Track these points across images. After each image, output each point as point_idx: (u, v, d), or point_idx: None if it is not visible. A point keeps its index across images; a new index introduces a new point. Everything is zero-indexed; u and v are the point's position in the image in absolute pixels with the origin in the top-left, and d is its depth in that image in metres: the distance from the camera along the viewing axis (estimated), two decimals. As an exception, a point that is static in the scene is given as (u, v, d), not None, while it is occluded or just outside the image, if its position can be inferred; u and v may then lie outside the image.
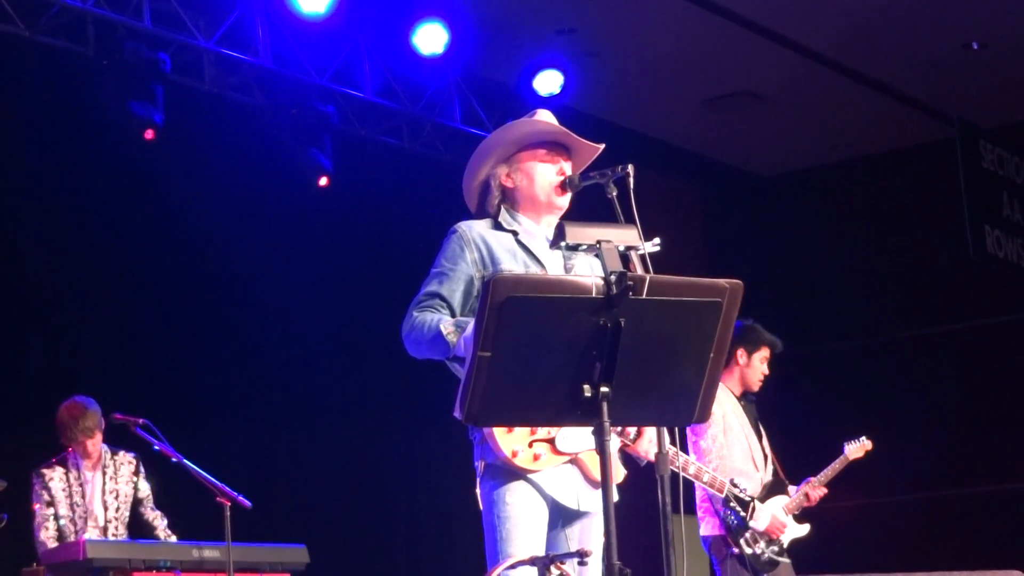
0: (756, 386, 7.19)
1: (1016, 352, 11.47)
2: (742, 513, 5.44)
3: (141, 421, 6.85)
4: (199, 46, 8.41)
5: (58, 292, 8.25)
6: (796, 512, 7.03)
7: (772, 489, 6.98)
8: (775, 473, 7.11)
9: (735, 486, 6.52)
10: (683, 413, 3.41)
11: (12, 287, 8.02)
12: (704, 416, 3.41)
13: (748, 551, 6.77)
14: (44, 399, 7.71)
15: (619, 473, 4.29)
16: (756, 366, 7.16)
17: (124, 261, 8.54)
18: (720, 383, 6.85)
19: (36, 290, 8.15)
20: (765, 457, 7.09)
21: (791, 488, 7.10)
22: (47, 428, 7.24)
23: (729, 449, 6.87)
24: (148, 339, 8.64)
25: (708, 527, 6.89)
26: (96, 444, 7.08)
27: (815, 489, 7.12)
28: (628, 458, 4.34)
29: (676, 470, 3.70)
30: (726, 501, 5.53)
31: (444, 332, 4.04)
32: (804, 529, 7.04)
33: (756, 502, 6.64)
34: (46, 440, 7.26)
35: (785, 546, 6.93)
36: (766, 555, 6.82)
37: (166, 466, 6.91)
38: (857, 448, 7.45)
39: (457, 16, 9.02)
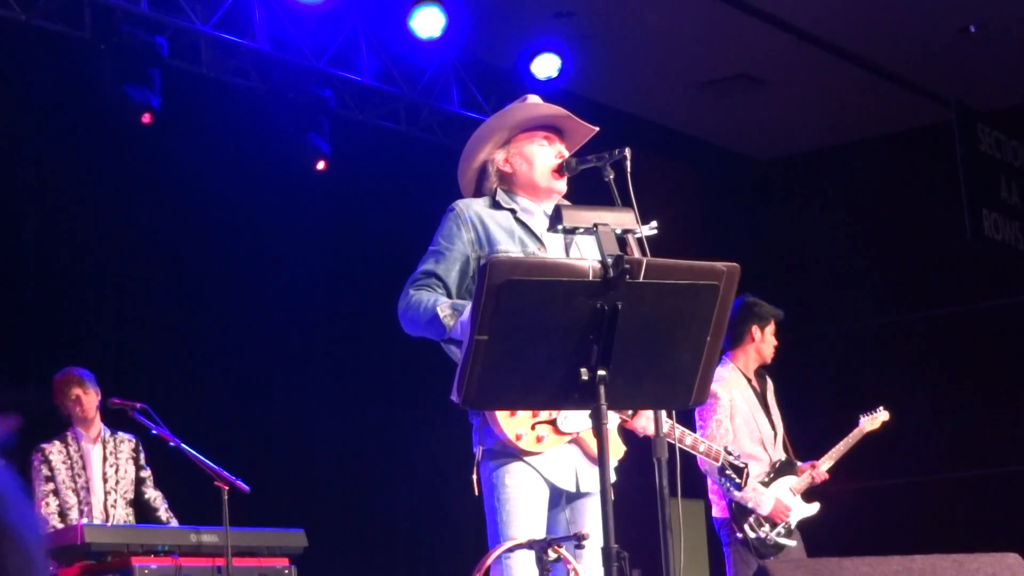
0: (771, 358, 7.16)
1: (1015, 334, 11.47)
2: (737, 480, 5.45)
3: (139, 405, 6.85)
4: (196, 30, 8.39)
5: (55, 276, 8.23)
6: (802, 492, 7.00)
7: (782, 469, 6.96)
8: (786, 451, 7.08)
9: (729, 453, 6.49)
10: (680, 396, 3.40)
11: (10, 270, 8.01)
12: (701, 399, 3.40)
13: (752, 535, 6.74)
14: (41, 386, 7.70)
15: (619, 450, 4.30)
16: (769, 339, 7.12)
17: (121, 246, 8.53)
18: (732, 364, 6.93)
19: (34, 273, 8.13)
20: (775, 435, 7.06)
21: (800, 465, 7.07)
22: (44, 414, 7.22)
23: (735, 434, 6.83)
24: (146, 323, 8.63)
25: (719, 510, 6.88)
26: (91, 401, 7.08)
27: (818, 471, 7.07)
28: (629, 432, 4.34)
29: (673, 442, 3.68)
30: (722, 469, 5.53)
31: (441, 315, 4.04)
32: (813, 508, 7.00)
33: (751, 475, 6.60)
34: (44, 426, 7.25)
35: (793, 527, 6.91)
36: (771, 538, 6.79)
37: (164, 450, 6.91)
38: (873, 420, 7.32)
39: (455, -1, 9.01)
